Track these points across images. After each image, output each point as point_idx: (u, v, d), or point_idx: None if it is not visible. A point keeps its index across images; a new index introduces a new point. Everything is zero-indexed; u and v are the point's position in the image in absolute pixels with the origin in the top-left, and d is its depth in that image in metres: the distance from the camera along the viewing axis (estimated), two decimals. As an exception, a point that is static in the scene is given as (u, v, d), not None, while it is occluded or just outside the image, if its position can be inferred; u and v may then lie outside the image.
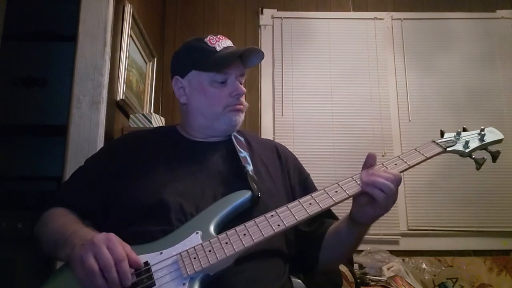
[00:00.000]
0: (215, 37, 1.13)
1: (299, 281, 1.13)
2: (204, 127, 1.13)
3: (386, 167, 0.94)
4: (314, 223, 1.08)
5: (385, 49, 2.92)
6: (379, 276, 2.14)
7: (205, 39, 1.13)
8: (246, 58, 1.14)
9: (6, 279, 2.03)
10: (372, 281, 2.10)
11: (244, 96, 1.14)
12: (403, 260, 2.48)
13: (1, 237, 2.06)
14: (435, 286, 2.40)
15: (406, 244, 2.62)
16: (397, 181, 0.88)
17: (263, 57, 1.15)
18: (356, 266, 2.18)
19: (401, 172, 0.93)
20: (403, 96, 2.86)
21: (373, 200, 0.88)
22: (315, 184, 1.18)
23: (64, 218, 1.01)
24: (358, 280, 1.99)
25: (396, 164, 0.95)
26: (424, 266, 2.52)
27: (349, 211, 0.97)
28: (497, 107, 2.82)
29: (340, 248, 1.05)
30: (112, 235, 0.83)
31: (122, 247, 0.81)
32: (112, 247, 0.80)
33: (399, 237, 2.62)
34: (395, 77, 2.89)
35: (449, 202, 2.67)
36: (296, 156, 1.25)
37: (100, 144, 1.73)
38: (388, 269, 2.21)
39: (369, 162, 0.94)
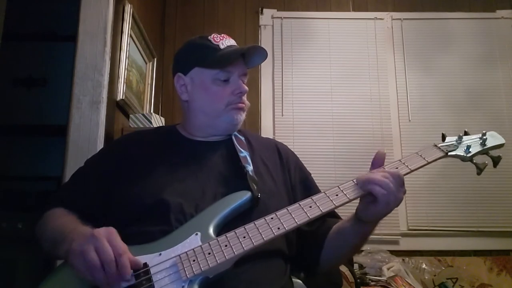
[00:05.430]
0: (218, 35, 1.13)
1: (299, 281, 1.13)
2: (205, 125, 1.13)
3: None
4: (315, 223, 1.06)
5: (385, 49, 2.92)
6: (379, 276, 2.14)
7: (209, 37, 1.13)
8: (249, 57, 1.14)
9: (6, 279, 2.03)
10: (372, 281, 2.09)
11: (245, 95, 1.14)
12: (403, 260, 2.48)
13: (1, 237, 2.05)
14: (435, 286, 2.40)
15: (406, 244, 2.62)
16: (395, 177, 0.88)
17: (266, 56, 1.15)
18: (356, 266, 2.18)
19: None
20: (403, 96, 2.85)
21: (375, 199, 0.88)
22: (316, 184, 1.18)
23: (63, 218, 1.01)
24: (358, 280, 1.99)
25: (397, 168, 0.94)
26: (424, 266, 2.52)
27: (353, 210, 0.97)
28: (497, 107, 2.82)
29: (343, 248, 1.05)
30: (112, 229, 0.84)
31: (122, 241, 0.82)
32: (113, 240, 0.80)
33: (399, 237, 2.62)
34: (395, 77, 2.89)
35: (449, 202, 2.67)
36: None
37: (100, 144, 1.73)
38: (388, 269, 2.21)
39: (377, 162, 0.94)
